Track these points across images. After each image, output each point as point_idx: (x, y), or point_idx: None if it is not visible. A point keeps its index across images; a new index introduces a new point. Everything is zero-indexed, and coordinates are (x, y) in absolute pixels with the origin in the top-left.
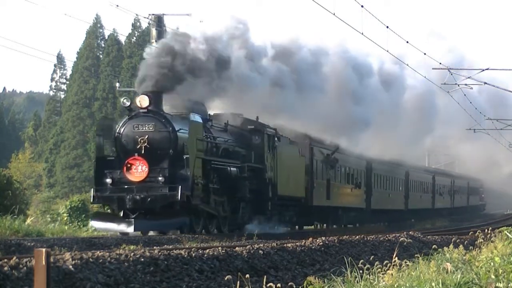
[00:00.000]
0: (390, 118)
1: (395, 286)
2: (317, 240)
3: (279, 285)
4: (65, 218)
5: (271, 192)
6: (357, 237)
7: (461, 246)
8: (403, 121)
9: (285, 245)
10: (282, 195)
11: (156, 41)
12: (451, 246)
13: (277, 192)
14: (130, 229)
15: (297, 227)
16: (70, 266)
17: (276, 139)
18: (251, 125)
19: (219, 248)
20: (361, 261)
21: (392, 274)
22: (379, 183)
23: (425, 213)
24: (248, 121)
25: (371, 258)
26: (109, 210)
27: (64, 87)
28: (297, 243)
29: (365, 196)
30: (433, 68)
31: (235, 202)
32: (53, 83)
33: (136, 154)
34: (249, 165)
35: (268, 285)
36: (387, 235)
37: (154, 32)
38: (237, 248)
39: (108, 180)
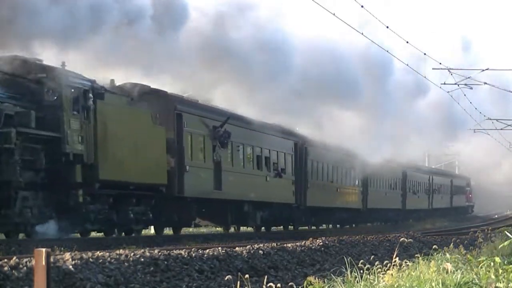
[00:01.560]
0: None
1: (395, 286)
2: (317, 240)
3: (279, 285)
4: None
5: (84, 175)
6: (357, 237)
7: (461, 246)
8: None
9: (285, 245)
10: (114, 181)
11: None
12: (451, 246)
13: (98, 177)
14: None
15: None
16: (70, 266)
17: (92, 95)
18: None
19: (219, 248)
20: (361, 261)
21: (392, 274)
22: (319, 173)
23: (393, 214)
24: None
25: (371, 258)
26: None
27: None
28: (297, 243)
29: (294, 189)
30: (433, 68)
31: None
32: None
33: None
34: (25, 131)
35: (268, 285)
36: (387, 235)
37: None
38: (237, 248)
39: None
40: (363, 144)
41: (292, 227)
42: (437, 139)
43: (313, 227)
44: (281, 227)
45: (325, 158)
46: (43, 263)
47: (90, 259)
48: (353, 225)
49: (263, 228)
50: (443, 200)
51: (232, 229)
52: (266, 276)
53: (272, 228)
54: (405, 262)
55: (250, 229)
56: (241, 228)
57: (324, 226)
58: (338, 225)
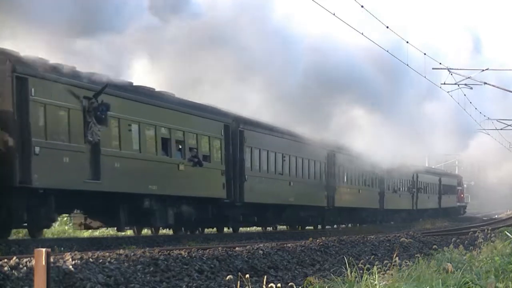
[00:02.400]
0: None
1: (395, 286)
2: (317, 240)
3: (279, 285)
4: (65, 218)
5: None
6: (357, 237)
7: (461, 246)
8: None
9: (285, 245)
10: None
11: None
12: (451, 246)
13: None
14: None
15: None
16: (70, 266)
17: None
18: None
19: (219, 248)
20: (361, 261)
21: (392, 274)
22: (265, 165)
23: (369, 214)
24: None
25: (371, 258)
26: None
27: None
28: (297, 243)
29: (226, 183)
30: (433, 68)
31: None
32: None
33: None
34: None
35: (269, 285)
36: (387, 235)
37: None
38: (237, 248)
39: None
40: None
41: (229, 228)
42: (451, 146)
43: (257, 228)
44: (214, 228)
45: (272, 145)
46: (43, 263)
47: (90, 259)
48: (318, 226)
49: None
50: (430, 200)
51: (129, 231)
52: (266, 276)
53: (203, 229)
54: (405, 262)
55: (252, 229)
56: (240, 228)
57: (270, 228)
58: (298, 226)
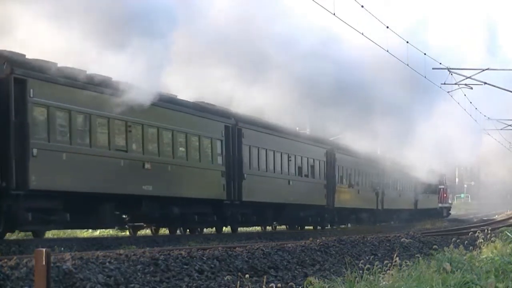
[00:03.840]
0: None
1: (396, 286)
2: (317, 240)
3: (279, 285)
4: None
5: None
6: (357, 237)
7: (461, 246)
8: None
9: (285, 245)
10: None
11: None
12: (451, 246)
13: None
14: None
15: None
16: (70, 266)
17: None
18: None
19: (219, 248)
20: (361, 261)
21: (392, 274)
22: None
23: (315, 213)
24: None
25: (371, 258)
26: None
27: None
28: (297, 243)
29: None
30: (433, 68)
31: None
32: None
33: None
34: None
35: (269, 285)
36: (388, 235)
37: None
38: (237, 248)
39: None
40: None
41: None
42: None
43: (257, 228)
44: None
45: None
46: (43, 263)
47: (90, 259)
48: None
49: None
50: (402, 199)
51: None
52: (266, 276)
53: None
54: (405, 262)
55: (251, 229)
56: (240, 228)
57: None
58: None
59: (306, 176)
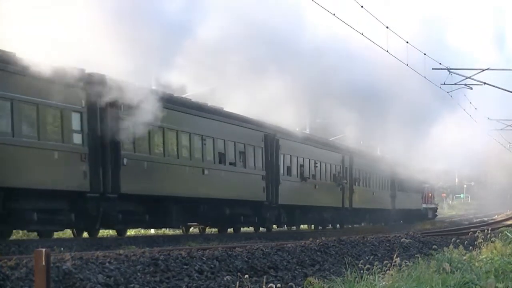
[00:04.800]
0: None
1: (395, 286)
2: (317, 240)
3: (279, 285)
4: None
5: None
6: (357, 237)
7: (461, 246)
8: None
9: (285, 245)
10: None
11: None
12: (451, 246)
13: None
14: None
15: None
16: (70, 267)
17: None
18: None
19: (219, 248)
20: (361, 261)
21: (392, 275)
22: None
23: (250, 211)
24: None
25: (371, 258)
26: None
27: None
28: (297, 243)
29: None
30: (433, 68)
31: None
32: None
33: None
34: None
35: (269, 286)
36: (387, 235)
37: None
38: (237, 248)
39: None
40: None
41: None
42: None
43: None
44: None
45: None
46: (43, 263)
47: (90, 260)
48: (337, 226)
49: None
50: (376, 197)
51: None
52: (265, 276)
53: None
54: (405, 262)
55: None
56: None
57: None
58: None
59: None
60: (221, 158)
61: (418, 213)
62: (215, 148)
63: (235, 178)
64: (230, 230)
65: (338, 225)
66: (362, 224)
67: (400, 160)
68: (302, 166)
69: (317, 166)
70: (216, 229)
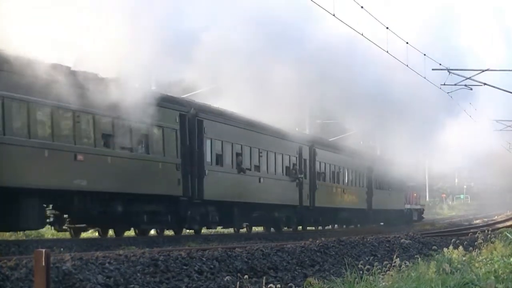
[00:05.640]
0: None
1: (395, 287)
2: (317, 241)
3: (278, 286)
4: None
5: None
6: (357, 237)
7: (460, 247)
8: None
9: (284, 246)
10: None
11: None
12: (450, 247)
13: None
14: None
15: None
16: (70, 267)
17: None
18: None
19: (219, 248)
20: (361, 262)
21: (392, 275)
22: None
23: (167, 211)
24: None
25: (370, 259)
26: None
27: None
28: (297, 244)
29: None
30: (432, 69)
31: None
32: None
33: None
34: None
35: (269, 286)
36: (387, 236)
37: None
38: (236, 249)
39: None
40: None
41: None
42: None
43: (257, 229)
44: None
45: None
46: (43, 263)
47: (90, 260)
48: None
49: None
50: (348, 195)
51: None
52: (265, 277)
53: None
54: (405, 263)
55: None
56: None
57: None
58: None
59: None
60: (107, 140)
61: (400, 215)
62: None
63: (132, 166)
64: (130, 232)
65: (300, 227)
66: (336, 226)
67: (382, 155)
68: (240, 155)
69: (262, 156)
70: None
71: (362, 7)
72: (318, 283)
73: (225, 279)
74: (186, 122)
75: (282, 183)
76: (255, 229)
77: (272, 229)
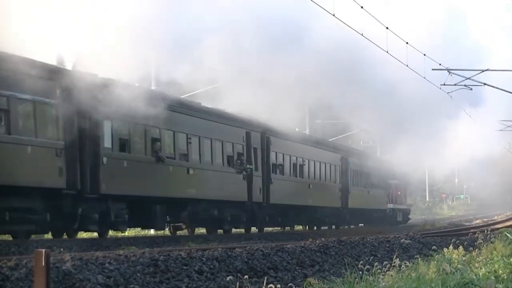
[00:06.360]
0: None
1: (395, 287)
2: (317, 241)
3: (278, 286)
4: None
5: None
6: (357, 238)
7: (460, 247)
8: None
9: (284, 246)
10: None
11: None
12: (450, 247)
13: None
14: None
15: None
16: (70, 267)
17: None
18: None
19: (219, 248)
20: (361, 262)
21: (392, 275)
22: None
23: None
24: None
25: (370, 259)
26: None
27: None
28: (297, 244)
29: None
30: (432, 69)
31: None
32: None
33: None
34: None
35: (269, 286)
36: (387, 236)
37: None
38: (236, 249)
39: None
40: None
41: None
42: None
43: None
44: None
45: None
46: (43, 264)
47: (90, 260)
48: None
49: None
50: (315, 192)
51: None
52: (265, 277)
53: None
54: (405, 263)
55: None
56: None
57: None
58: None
59: None
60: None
61: (382, 215)
62: None
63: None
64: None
65: (254, 227)
66: (304, 226)
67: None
68: (156, 140)
69: (191, 143)
70: None
71: (362, 7)
72: (318, 283)
73: (227, 279)
74: (66, 95)
75: (221, 175)
76: (199, 230)
77: (220, 231)
